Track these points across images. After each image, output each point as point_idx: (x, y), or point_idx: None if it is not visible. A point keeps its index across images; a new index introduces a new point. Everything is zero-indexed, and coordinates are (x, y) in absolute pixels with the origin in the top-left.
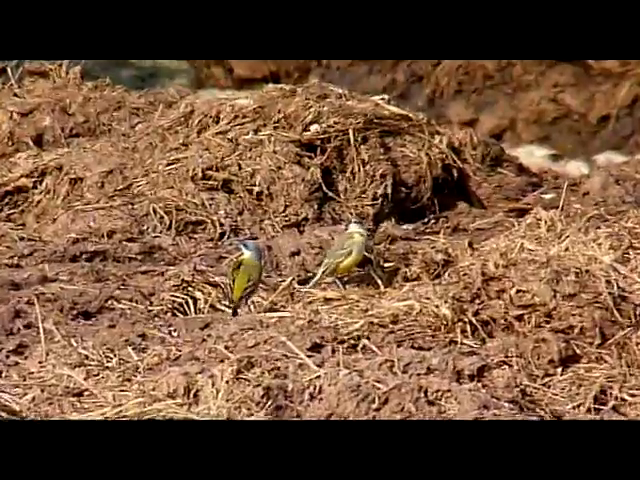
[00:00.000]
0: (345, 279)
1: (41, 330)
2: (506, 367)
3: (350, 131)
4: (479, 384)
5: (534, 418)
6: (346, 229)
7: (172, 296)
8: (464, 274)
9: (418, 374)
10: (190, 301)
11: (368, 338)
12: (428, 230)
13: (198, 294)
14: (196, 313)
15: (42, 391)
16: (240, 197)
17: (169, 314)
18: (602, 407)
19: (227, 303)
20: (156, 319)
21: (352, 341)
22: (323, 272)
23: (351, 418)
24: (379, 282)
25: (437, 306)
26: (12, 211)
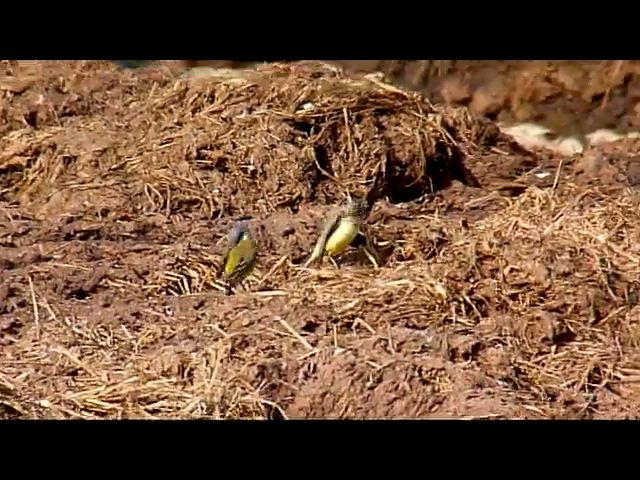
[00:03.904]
0: (339, 258)
1: (35, 309)
2: (500, 345)
3: (344, 110)
4: (473, 362)
5: (528, 397)
6: (340, 206)
7: (166, 275)
8: (458, 253)
9: (412, 353)
10: (184, 280)
11: (362, 317)
12: (422, 209)
13: (192, 273)
14: (190, 292)
15: (36, 370)
16: (234, 176)
17: (163, 293)
18: (596, 385)
19: (221, 282)
20: (150, 298)
21: (346, 320)
22: (319, 250)
23: (345, 396)
24: (373, 261)
25: (431, 285)
26: (6, 190)
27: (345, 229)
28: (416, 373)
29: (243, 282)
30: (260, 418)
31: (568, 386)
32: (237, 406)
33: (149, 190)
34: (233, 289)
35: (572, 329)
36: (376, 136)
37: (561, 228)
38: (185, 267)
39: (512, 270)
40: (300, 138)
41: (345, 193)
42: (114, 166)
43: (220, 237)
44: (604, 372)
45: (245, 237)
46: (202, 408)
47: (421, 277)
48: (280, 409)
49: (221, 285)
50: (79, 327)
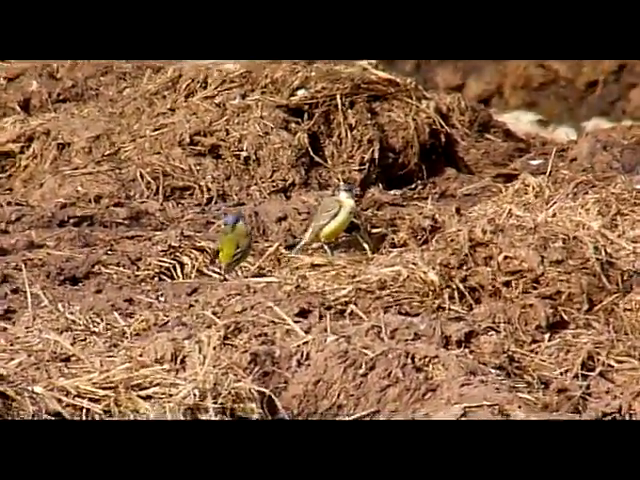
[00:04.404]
0: (332, 245)
1: (28, 295)
2: (493, 333)
3: (337, 96)
4: (466, 350)
5: (521, 384)
6: (333, 195)
7: (159, 261)
8: (452, 240)
9: (405, 340)
10: (177, 266)
11: (355, 304)
12: (415, 196)
13: (185, 259)
14: (183, 278)
15: (29, 356)
16: (227, 162)
17: (156, 279)
18: (589, 373)
19: (214, 268)
20: (143, 284)
21: (339, 307)
22: (309, 236)
23: (338, 384)
24: (366, 248)
25: (424, 272)
26: None
27: (340, 217)
28: (409, 360)
29: (236, 269)
30: (253, 405)
31: (561, 374)
32: (229, 393)
33: (142, 176)
34: (227, 276)
35: (566, 317)
36: (369, 122)
37: (554, 215)
38: (178, 254)
39: (505, 257)
40: (293, 124)
41: (338, 179)
42: (107, 152)
43: (213, 223)
44: (597, 360)
45: (240, 224)
46: (195, 395)
47: (414, 264)
48: (273, 396)
49: (214, 272)
50: (72, 313)
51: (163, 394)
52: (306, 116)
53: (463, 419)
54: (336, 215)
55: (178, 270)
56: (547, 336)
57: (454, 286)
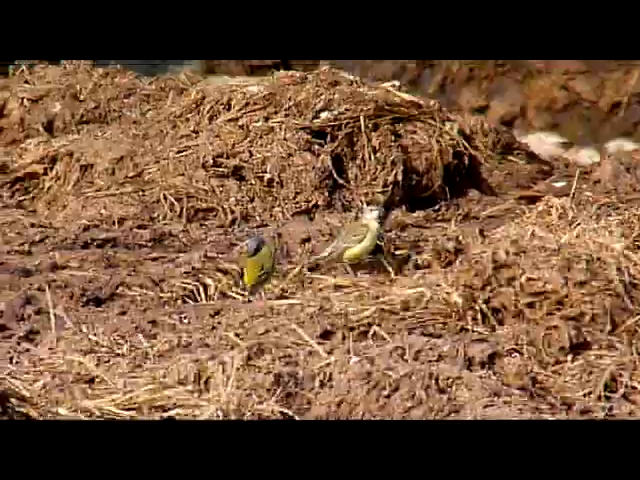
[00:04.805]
0: (354, 264)
1: (52, 317)
2: (517, 354)
3: (361, 118)
4: (490, 371)
5: (544, 406)
6: (357, 217)
7: (183, 283)
8: (475, 261)
9: (429, 361)
10: (200, 288)
11: (379, 325)
12: (439, 217)
13: (209, 281)
14: (206, 300)
15: (53, 377)
16: (251, 184)
17: (179, 301)
18: (612, 395)
19: (238, 290)
20: (166, 306)
21: (363, 328)
22: (330, 253)
23: (361, 405)
24: (390, 269)
25: (448, 293)
26: (23, 197)
27: (365, 242)
28: (432, 382)
29: (260, 290)
30: None
31: (584, 395)
32: (253, 414)
33: (165, 198)
34: (250, 297)
35: (589, 338)
36: (392, 144)
37: (578, 237)
38: (201, 275)
39: (529, 279)
40: (317, 146)
41: (361, 201)
42: (131, 174)
43: (236, 245)
44: (621, 381)
45: (264, 248)
46: (218, 416)
47: (437, 285)
48: (296, 417)
49: (238, 293)
50: (95, 335)
51: (186, 415)
52: (329, 138)
53: (477, 419)
54: (362, 240)
55: (201, 292)
56: (570, 357)
57: (477, 307)
